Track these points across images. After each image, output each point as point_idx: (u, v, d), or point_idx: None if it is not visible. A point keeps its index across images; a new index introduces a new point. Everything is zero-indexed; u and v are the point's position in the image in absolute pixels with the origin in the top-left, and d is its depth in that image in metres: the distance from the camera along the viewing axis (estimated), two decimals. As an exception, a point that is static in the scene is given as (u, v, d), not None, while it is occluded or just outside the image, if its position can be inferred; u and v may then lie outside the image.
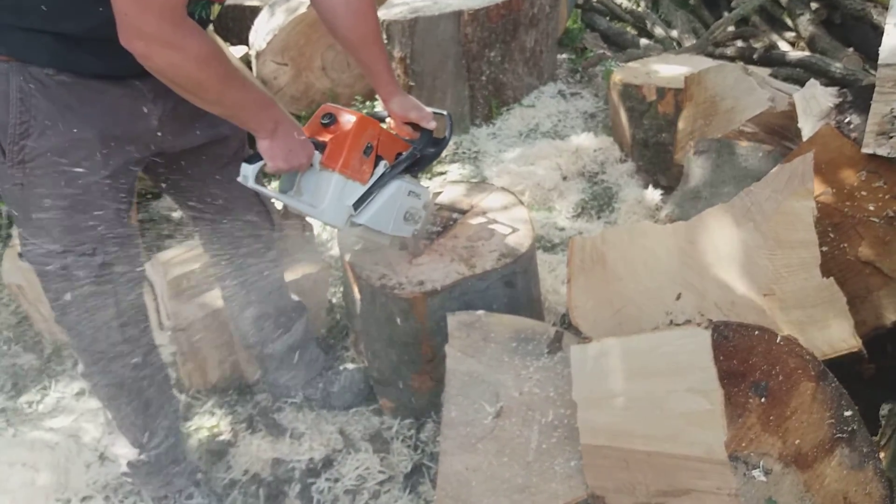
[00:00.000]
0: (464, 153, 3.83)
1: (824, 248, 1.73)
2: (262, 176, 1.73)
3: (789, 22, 4.63)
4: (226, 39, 4.29)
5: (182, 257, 2.52)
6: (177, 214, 3.37)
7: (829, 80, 3.72)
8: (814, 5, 4.50)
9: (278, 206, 2.15)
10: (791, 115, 2.35)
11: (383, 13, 3.87)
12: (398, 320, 2.04)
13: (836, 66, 3.80)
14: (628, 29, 5.30)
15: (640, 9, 5.40)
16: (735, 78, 2.74)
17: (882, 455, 1.55)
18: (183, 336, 2.35)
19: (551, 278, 2.76)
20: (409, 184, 1.95)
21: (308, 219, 2.61)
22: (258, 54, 4.10)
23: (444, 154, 3.77)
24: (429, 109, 2.00)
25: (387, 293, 2.00)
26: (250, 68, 4.17)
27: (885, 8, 3.97)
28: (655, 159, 3.33)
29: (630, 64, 3.70)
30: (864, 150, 1.91)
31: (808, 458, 1.46)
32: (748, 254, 1.75)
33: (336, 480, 2.12)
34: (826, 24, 4.41)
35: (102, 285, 1.71)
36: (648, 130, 3.31)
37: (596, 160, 3.57)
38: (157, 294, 2.54)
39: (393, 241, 2.06)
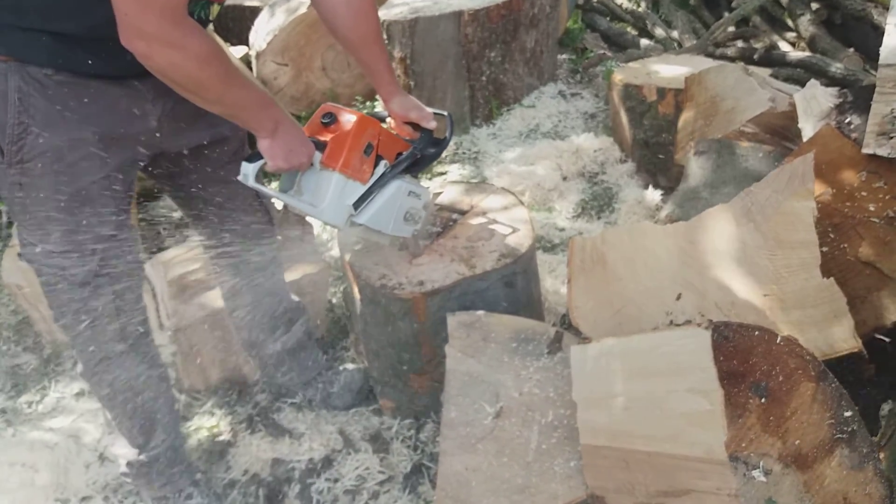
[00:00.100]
0: (464, 153, 3.83)
1: (824, 249, 1.73)
2: (263, 175, 1.73)
3: (790, 22, 4.63)
4: (226, 40, 4.29)
5: (182, 257, 2.53)
6: (177, 214, 3.37)
7: (829, 80, 3.72)
8: (814, 5, 4.50)
9: (278, 206, 2.15)
10: (791, 115, 2.35)
11: (384, 13, 3.87)
12: (398, 320, 2.04)
13: (837, 67, 3.80)
14: (629, 29, 5.30)
15: (640, 9, 5.40)
16: (735, 78, 2.74)
17: (882, 455, 1.55)
18: (183, 336, 2.35)
19: (551, 278, 2.76)
20: (410, 184, 1.95)
21: (308, 218, 2.61)
22: (258, 55, 4.10)
23: (444, 154, 3.78)
24: (429, 110, 1.99)
25: (387, 293, 2.00)
26: (250, 69, 4.17)
27: (886, 8, 3.97)
28: (656, 160, 3.33)
29: (630, 64, 3.69)
30: (865, 151, 1.91)
31: (808, 458, 1.46)
32: (748, 254, 1.75)
33: (336, 481, 2.12)
34: (826, 25, 4.41)
35: (101, 286, 1.71)
36: (649, 131, 3.31)
37: (596, 160, 3.57)
38: (156, 294, 2.54)
39: (393, 242, 2.05)
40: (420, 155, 1.95)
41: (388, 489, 2.08)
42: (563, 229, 3.16)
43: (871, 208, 1.86)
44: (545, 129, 3.92)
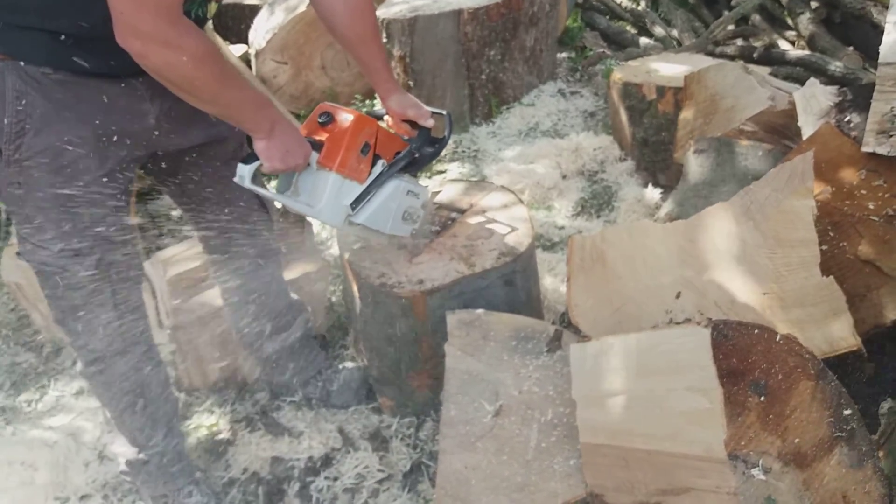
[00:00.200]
0: (463, 152, 3.82)
1: (824, 247, 1.73)
2: (260, 176, 1.72)
3: (789, 21, 4.62)
4: (225, 38, 4.29)
5: (181, 256, 2.52)
6: (176, 213, 3.36)
7: (828, 78, 3.71)
8: (814, 4, 4.49)
9: (277, 205, 2.15)
10: (791, 113, 2.35)
11: (383, 12, 3.87)
12: (398, 319, 2.04)
13: (836, 65, 3.80)
14: (628, 28, 5.29)
15: (639, 7, 5.40)
16: (735, 77, 2.74)
17: (881, 454, 1.55)
18: (182, 334, 2.35)
19: (551, 277, 2.76)
20: (408, 183, 1.94)
21: (307, 218, 2.61)
22: (258, 53, 4.10)
23: (443, 153, 3.78)
24: (427, 108, 1.99)
25: (386, 292, 2.00)
26: (250, 67, 4.17)
27: (885, 7, 3.97)
28: (655, 158, 3.33)
29: (630, 63, 3.69)
30: (864, 149, 1.91)
31: (808, 456, 1.46)
32: (748, 252, 1.75)
33: (335, 479, 2.12)
34: (826, 23, 4.41)
35: (100, 284, 1.71)
36: (648, 129, 3.31)
37: (595, 159, 3.57)
38: (156, 292, 2.54)
39: (391, 241, 2.05)
40: (418, 154, 1.95)
41: (387, 487, 2.08)
42: (562, 228, 3.16)
43: (871, 206, 1.86)
44: (545, 128, 3.91)
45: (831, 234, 1.85)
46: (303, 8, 3.97)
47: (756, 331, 1.49)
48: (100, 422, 2.35)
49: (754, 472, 1.47)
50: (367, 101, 4.18)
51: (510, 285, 2.08)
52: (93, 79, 1.55)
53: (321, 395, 2.35)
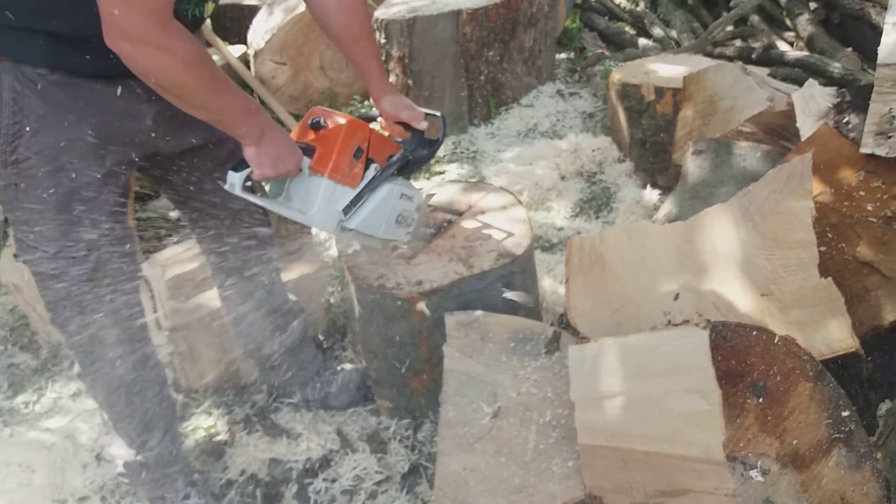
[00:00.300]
0: (462, 153, 3.82)
1: (822, 248, 1.73)
2: (252, 183, 1.70)
3: (788, 22, 4.62)
4: (224, 38, 4.29)
5: (180, 257, 2.52)
6: (175, 214, 3.36)
7: (827, 79, 3.71)
8: (812, 5, 4.49)
9: None
10: (789, 114, 2.35)
11: (382, 12, 3.87)
12: (396, 320, 2.04)
13: (835, 66, 3.80)
14: (627, 28, 5.29)
15: (638, 8, 5.40)
16: (734, 78, 2.74)
17: (879, 455, 1.55)
18: (180, 336, 2.35)
19: (549, 278, 2.76)
20: (401, 186, 1.92)
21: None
22: (256, 53, 4.10)
23: (442, 154, 3.79)
24: (421, 110, 1.97)
25: (385, 293, 2.00)
26: (248, 67, 4.17)
27: (884, 8, 3.97)
28: (654, 159, 3.33)
29: (628, 63, 3.69)
30: (863, 150, 1.91)
31: (806, 458, 1.46)
32: (746, 254, 1.75)
33: (333, 481, 2.11)
34: (825, 24, 4.41)
35: (97, 286, 1.71)
36: (647, 130, 3.31)
37: (594, 160, 3.57)
38: (154, 294, 2.53)
39: (386, 245, 2.04)
40: (411, 157, 1.93)
41: (385, 489, 2.08)
42: (561, 229, 3.16)
43: (869, 208, 1.86)
44: (543, 129, 3.91)
45: (830, 235, 1.85)
46: (302, 8, 3.96)
47: (754, 332, 1.49)
48: (97, 423, 2.34)
49: (753, 473, 1.47)
50: (366, 102, 4.18)
51: (509, 287, 2.08)
52: (90, 80, 1.54)
53: (319, 396, 2.35)
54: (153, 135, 1.69)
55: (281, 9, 4.11)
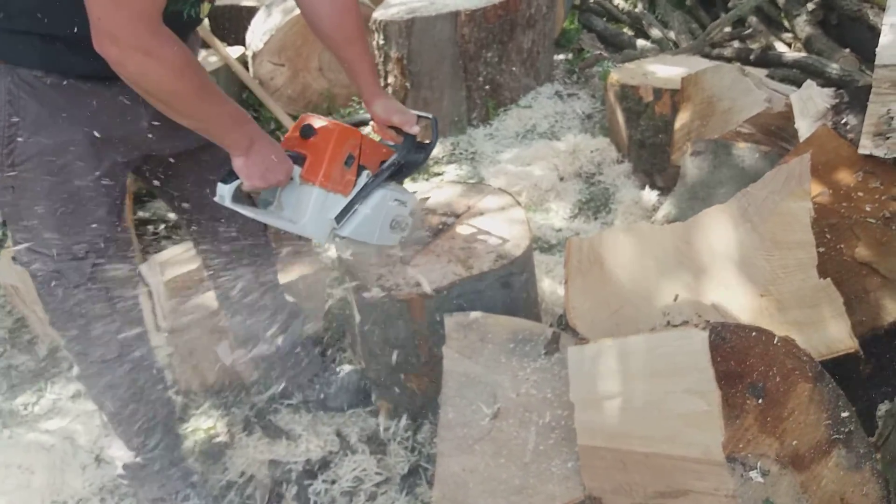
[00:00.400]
0: (461, 154, 3.82)
1: (821, 249, 1.73)
2: (242, 194, 1.68)
3: (786, 23, 4.63)
4: (222, 40, 4.29)
5: (179, 258, 2.52)
6: (173, 215, 3.37)
7: (825, 80, 3.72)
8: (810, 6, 4.50)
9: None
10: (788, 115, 2.35)
11: (380, 13, 3.87)
12: (395, 321, 2.04)
13: (833, 67, 3.81)
14: (625, 30, 5.30)
15: (636, 10, 5.40)
16: (732, 79, 2.74)
17: (879, 456, 1.55)
18: (179, 337, 2.35)
19: (548, 279, 2.76)
20: (394, 191, 1.91)
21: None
22: (255, 55, 4.10)
23: (441, 155, 3.79)
24: (413, 113, 1.95)
25: (384, 294, 2.00)
26: (247, 69, 4.16)
27: (882, 9, 3.98)
28: (652, 160, 3.33)
29: (627, 65, 3.69)
30: (861, 151, 1.91)
31: (806, 459, 1.46)
32: (745, 254, 1.75)
33: (333, 482, 2.11)
34: (823, 25, 4.41)
35: (95, 288, 1.71)
36: (645, 131, 3.31)
37: (593, 161, 3.57)
38: (153, 295, 2.53)
39: (380, 250, 2.03)
40: (404, 161, 1.91)
41: (385, 490, 2.08)
42: (560, 230, 3.16)
43: (868, 209, 1.86)
44: (542, 130, 3.92)
45: (828, 236, 1.85)
46: (300, 10, 3.96)
47: (754, 333, 1.49)
48: (96, 425, 2.34)
49: (752, 474, 1.46)
50: (365, 104, 4.17)
51: (508, 288, 2.08)
52: (85, 82, 1.54)
53: (319, 397, 2.35)
54: (149, 136, 1.68)
55: (279, 10, 4.11)
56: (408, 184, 2.08)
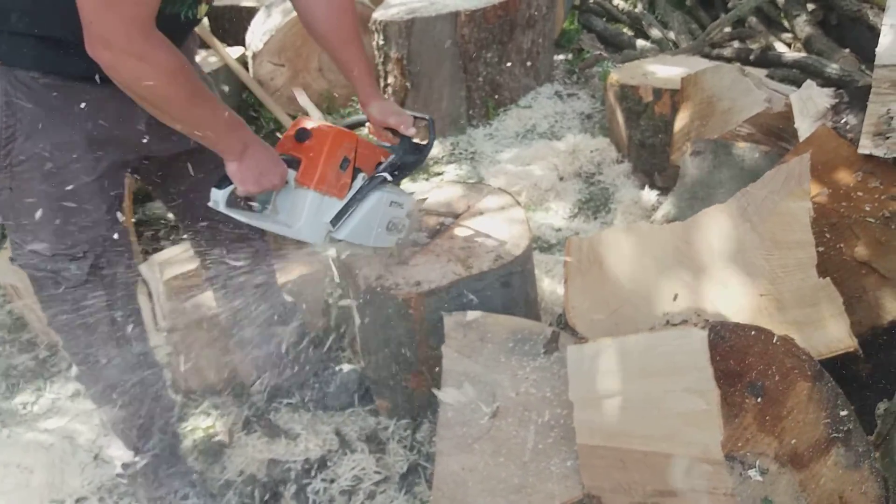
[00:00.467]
0: (460, 154, 3.83)
1: (821, 249, 1.74)
2: (236, 198, 1.67)
3: (786, 23, 4.63)
4: (222, 40, 4.29)
5: (178, 258, 2.52)
6: (172, 215, 3.37)
7: (825, 80, 3.72)
8: (810, 6, 4.50)
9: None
10: (788, 115, 2.35)
11: (380, 13, 3.87)
12: (394, 320, 2.04)
13: (833, 67, 3.81)
14: (625, 30, 5.30)
15: (636, 10, 5.40)
16: (732, 79, 2.74)
17: (877, 454, 1.55)
18: (179, 336, 2.34)
19: (548, 279, 2.76)
20: (391, 193, 1.90)
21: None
22: (255, 55, 4.10)
23: (441, 155, 3.79)
24: (409, 114, 1.94)
25: (383, 293, 2.00)
26: (247, 69, 4.16)
27: (882, 9, 3.98)
28: (652, 160, 3.33)
29: (627, 65, 3.70)
30: (861, 151, 1.91)
31: (804, 457, 1.46)
32: (745, 254, 1.75)
33: (332, 481, 2.11)
34: (822, 25, 4.42)
35: (94, 288, 1.70)
36: (645, 131, 3.31)
37: (592, 161, 3.57)
38: (152, 294, 2.53)
39: (377, 252, 2.02)
40: (400, 163, 1.90)
41: (384, 489, 2.08)
42: (559, 229, 3.16)
43: (867, 208, 1.86)
44: (542, 130, 3.92)
45: (828, 235, 1.85)
46: (300, 10, 3.96)
47: (753, 332, 1.49)
48: (96, 424, 2.34)
49: (751, 473, 1.47)
50: (365, 104, 4.17)
51: (507, 287, 2.08)
52: (82, 83, 1.53)
53: (318, 397, 2.35)
54: (146, 138, 1.68)
55: (279, 10, 4.11)
56: (408, 184, 2.08)
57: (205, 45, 4.16)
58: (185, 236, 2.11)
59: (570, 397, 1.56)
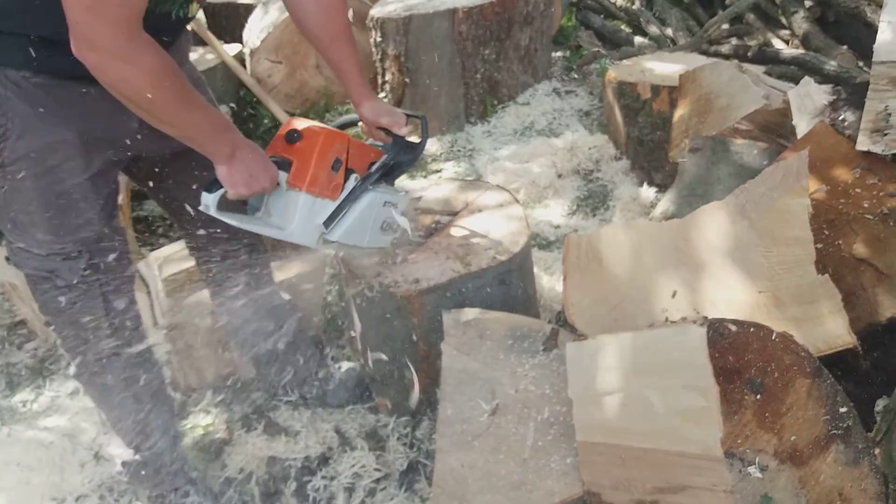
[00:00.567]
0: (459, 151, 3.83)
1: (819, 245, 1.74)
2: (227, 202, 1.65)
3: (783, 20, 4.63)
4: (219, 37, 4.28)
5: (177, 255, 2.52)
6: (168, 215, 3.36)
7: (823, 77, 3.72)
8: (808, 3, 4.50)
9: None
10: (785, 112, 2.35)
11: (377, 10, 3.87)
12: (393, 318, 2.04)
13: (831, 64, 3.81)
14: (623, 27, 5.30)
15: (634, 7, 5.40)
16: (729, 76, 2.75)
17: (877, 451, 1.56)
18: (178, 334, 2.34)
19: (547, 276, 2.77)
20: (384, 193, 1.89)
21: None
22: (252, 52, 4.09)
23: (439, 152, 3.79)
24: (401, 113, 1.93)
25: (382, 291, 2.00)
26: (244, 66, 4.16)
27: (879, 6, 3.98)
28: (650, 157, 3.33)
29: (625, 62, 3.70)
30: (859, 148, 1.91)
31: (804, 454, 1.47)
32: (743, 251, 1.75)
33: (332, 478, 2.12)
34: (820, 22, 4.42)
35: (90, 287, 1.70)
36: (643, 128, 3.31)
37: (591, 158, 3.57)
38: (151, 292, 2.53)
39: (371, 252, 2.02)
40: (393, 162, 1.89)
41: (384, 486, 2.08)
42: (558, 227, 3.16)
43: (866, 205, 1.86)
44: (540, 127, 3.92)
45: (826, 232, 1.86)
46: (298, 7, 3.95)
47: (752, 329, 1.49)
48: (96, 422, 2.34)
49: (751, 469, 1.47)
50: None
51: (506, 284, 2.08)
52: (73, 82, 1.52)
53: (318, 394, 2.35)
54: (138, 137, 1.67)
55: (276, 7, 4.10)
56: (406, 182, 2.07)
57: (202, 43, 4.15)
58: (181, 233, 2.10)
59: (570, 394, 1.56)
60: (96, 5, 1.28)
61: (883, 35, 1.86)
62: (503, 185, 2.89)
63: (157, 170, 1.85)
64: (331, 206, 1.77)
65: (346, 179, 1.79)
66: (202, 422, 2.36)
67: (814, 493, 1.46)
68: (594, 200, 3.33)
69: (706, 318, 1.50)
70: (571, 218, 3.23)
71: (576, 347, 1.60)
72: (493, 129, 3.96)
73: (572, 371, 1.59)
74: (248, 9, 4.39)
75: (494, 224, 2.18)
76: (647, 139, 3.31)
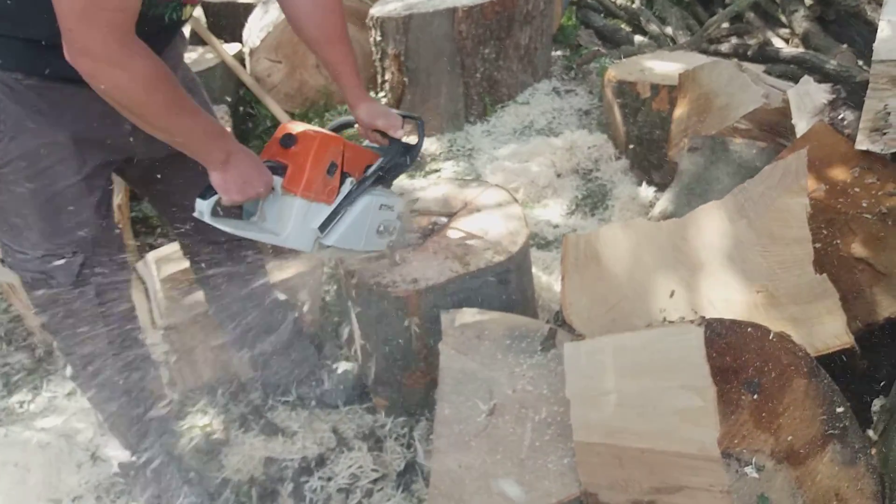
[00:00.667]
0: (458, 150, 3.82)
1: (817, 245, 1.73)
2: (222, 208, 1.65)
3: (783, 19, 4.63)
4: (219, 36, 4.28)
5: (175, 255, 2.51)
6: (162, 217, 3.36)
7: (822, 76, 3.71)
8: (808, 2, 4.49)
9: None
10: (785, 111, 2.35)
11: (377, 10, 3.87)
12: (392, 318, 2.03)
13: (830, 63, 3.80)
14: (622, 26, 5.30)
15: (634, 6, 5.40)
16: (729, 75, 2.74)
17: (874, 451, 1.55)
18: (175, 334, 2.34)
19: (545, 276, 2.76)
20: (380, 197, 1.88)
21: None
22: (252, 51, 4.09)
23: (438, 152, 3.78)
24: (397, 115, 1.92)
25: (380, 291, 1.99)
26: (244, 66, 4.16)
27: (879, 5, 3.97)
28: (649, 156, 3.33)
29: (624, 61, 3.69)
30: (858, 147, 1.91)
31: (801, 454, 1.46)
32: (742, 250, 1.75)
33: (329, 479, 2.11)
34: (820, 21, 4.41)
35: (85, 288, 1.70)
36: (643, 127, 3.31)
37: (590, 157, 3.57)
38: (149, 292, 2.53)
39: (367, 255, 2.01)
40: (389, 165, 1.88)
41: (381, 487, 2.08)
42: (556, 226, 3.16)
43: (864, 204, 1.86)
44: (539, 126, 3.91)
45: (825, 231, 1.85)
46: (297, 6, 3.94)
47: (749, 329, 1.49)
48: (92, 422, 2.34)
49: (747, 469, 1.47)
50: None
51: (504, 284, 2.07)
52: (66, 84, 1.51)
53: (315, 394, 2.34)
54: (131, 139, 1.67)
55: (276, 6, 4.10)
56: (405, 181, 2.06)
57: (202, 42, 4.15)
58: (175, 236, 2.10)
59: (567, 394, 1.56)
60: (88, 11, 1.27)
61: (883, 34, 1.86)
62: (502, 184, 2.89)
63: (150, 171, 1.84)
64: (326, 210, 1.76)
65: (341, 183, 1.78)
66: (199, 422, 2.36)
67: (810, 493, 1.46)
68: (593, 200, 3.32)
69: (704, 317, 1.50)
70: (570, 217, 3.22)
71: (573, 347, 1.60)
72: (492, 128, 3.96)
73: (570, 371, 1.58)
74: (248, 8, 4.38)
75: (493, 223, 2.18)
76: (647, 138, 3.31)
